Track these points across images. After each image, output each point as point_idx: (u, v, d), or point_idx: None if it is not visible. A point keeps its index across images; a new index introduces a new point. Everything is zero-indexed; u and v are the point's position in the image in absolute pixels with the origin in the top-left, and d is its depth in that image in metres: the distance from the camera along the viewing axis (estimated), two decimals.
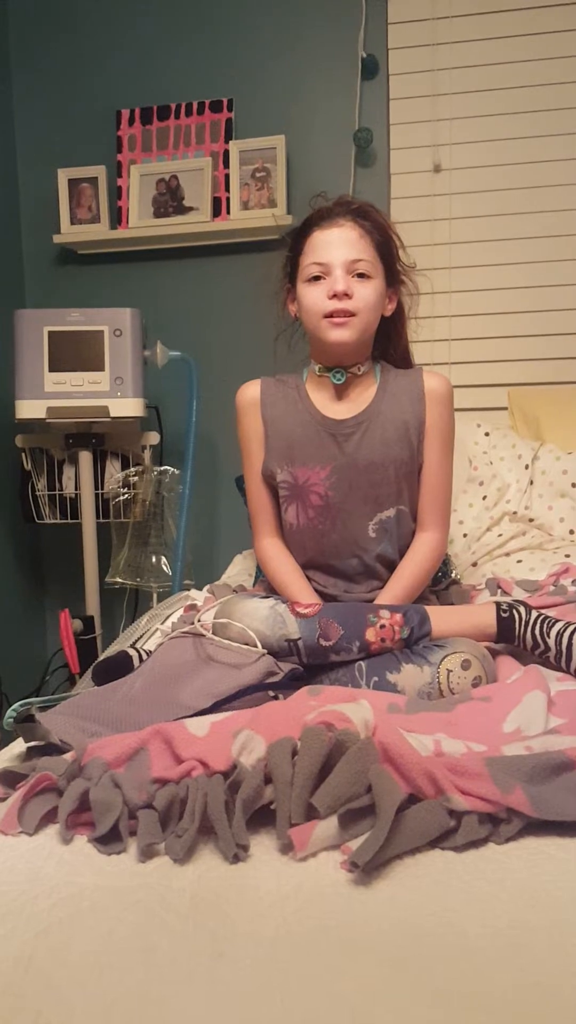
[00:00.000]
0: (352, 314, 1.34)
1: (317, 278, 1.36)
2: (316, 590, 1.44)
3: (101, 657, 1.30)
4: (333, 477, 1.40)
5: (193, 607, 1.51)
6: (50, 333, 2.11)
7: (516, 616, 1.24)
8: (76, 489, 2.30)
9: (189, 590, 1.77)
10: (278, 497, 1.47)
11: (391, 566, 1.43)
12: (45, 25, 2.46)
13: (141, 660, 1.27)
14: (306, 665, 1.22)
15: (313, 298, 1.36)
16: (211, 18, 2.37)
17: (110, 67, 2.44)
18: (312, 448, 1.42)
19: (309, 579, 1.46)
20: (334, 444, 1.41)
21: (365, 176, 2.33)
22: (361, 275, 1.35)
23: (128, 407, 2.12)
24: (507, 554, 1.81)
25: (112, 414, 2.11)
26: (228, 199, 2.35)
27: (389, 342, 1.51)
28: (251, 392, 1.48)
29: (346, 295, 1.33)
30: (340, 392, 1.44)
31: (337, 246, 1.35)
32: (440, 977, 0.59)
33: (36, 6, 2.46)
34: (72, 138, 2.48)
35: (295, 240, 1.43)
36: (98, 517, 2.28)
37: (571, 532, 1.83)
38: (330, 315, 1.35)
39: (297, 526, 1.44)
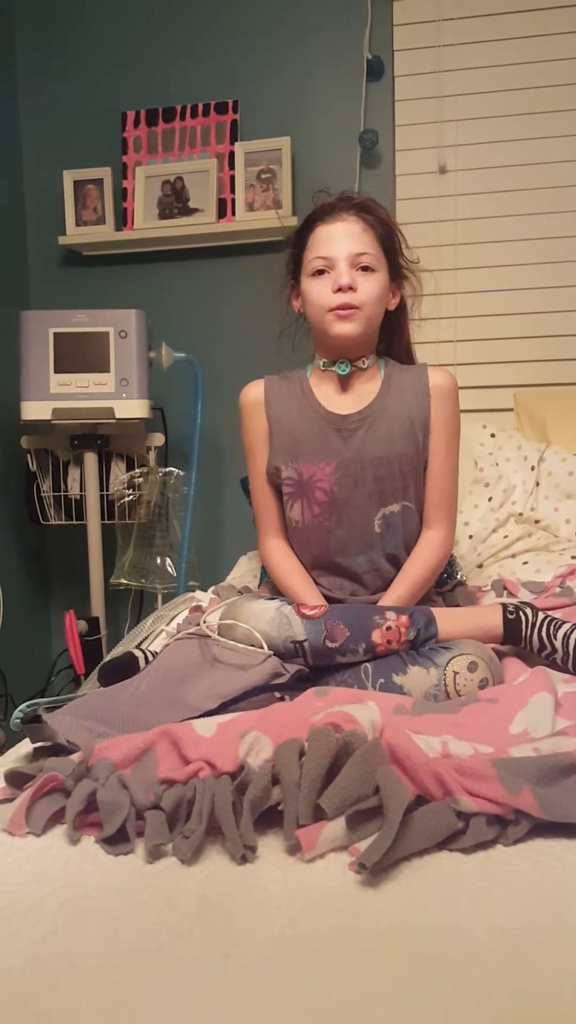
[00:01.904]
0: (357, 307, 1.34)
1: (321, 272, 1.36)
2: (322, 595, 1.44)
3: (107, 658, 1.30)
4: (338, 473, 1.40)
5: (198, 608, 1.51)
6: (55, 334, 2.11)
7: (522, 618, 1.24)
8: (81, 490, 2.30)
9: (194, 591, 1.77)
10: (282, 498, 1.47)
11: (397, 564, 1.43)
12: (51, 27, 2.47)
13: (147, 661, 1.27)
14: (312, 667, 1.22)
15: (318, 292, 1.37)
16: (216, 20, 2.38)
17: (115, 69, 2.45)
18: (317, 443, 1.41)
19: (315, 582, 1.46)
20: (339, 439, 1.41)
21: (370, 177, 2.33)
22: (365, 268, 1.35)
23: (133, 408, 2.12)
24: (513, 555, 1.81)
25: (117, 415, 2.11)
26: (233, 200, 2.35)
27: (393, 336, 1.51)
28: (254, 392, 1.48)
29: (351, 288, 1.34)
30: (344, 387, 1.44)
31: (341, 240, 1.35)
32: (447, 979, 0.59)
33: (42, 8, 2.47)
34: (77, 140, 2.49)
35: (298, 236, 1.43)
36: (103, 518, 2.28)
37: None
38: (335, 309, 1.35)
39: (302, 523, 1.44)
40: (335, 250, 1.35)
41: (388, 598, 1.38)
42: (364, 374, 1.44)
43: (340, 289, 1.34)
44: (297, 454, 1.42)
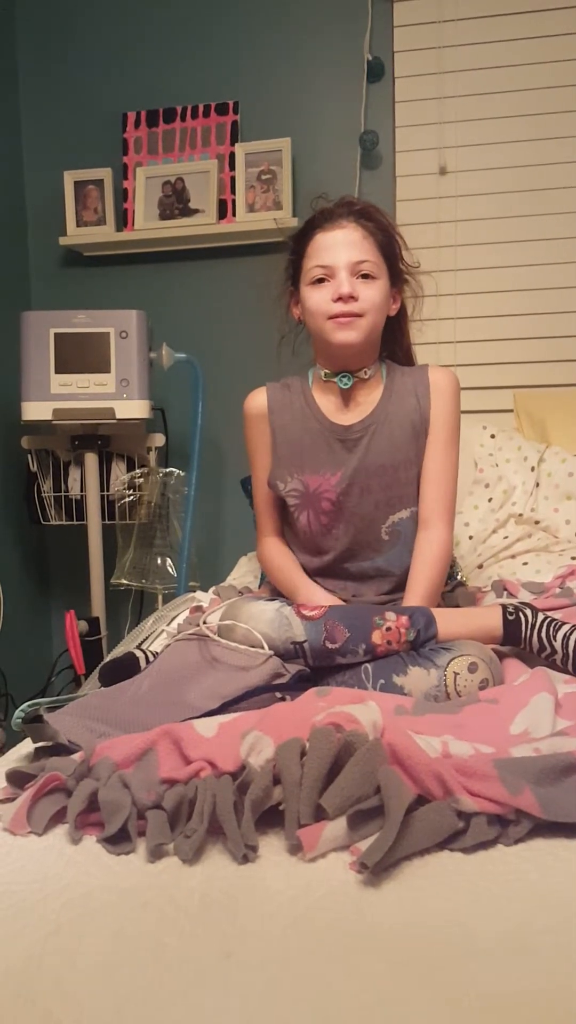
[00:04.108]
0: (358, 315, 1.34)
1: (321, 280, 1.36)
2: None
3: (108, 658, 1.30)
4: (344, 483, 1.40)
5: (199, 609, 1.51)
6: (56, 335, 2.11)
7: (522, 619, 1.24)
8: (82, 491, 2.30)
9: (194, 592, 1.77)
10: (286, 506, 1.47)
11: (404, 567, 1.43)
12: (52, 28, 2.47)
13: (148, 661, 1.28)
14: (312, 667, 1.22)
15: (317, 301, 1.36)
16: (217, 21, 2.38)
17: (116, 70, 2.45)
18: (321, 455, 1.41)
19: (318, 583, 1.46)
20: (343, 450, 1.40)
21: (371, 178, 2.34)
22: (365, 276, 1.35)
23: (134, 409, 2.12)
24: (513, 556, 1.81)
25: (118, 416, 2.11)
26: (234, 201, 2.35)
27: (395, 342, 1.50)
28: (258, 401, 1.47)
29: (351, 297, 1.33)
30: (346, 396, 1.43)
31: (341, 248, 1.34)
32: (448, 978, 0.59)
33: (43, 9, 2.47)
34: (78, 140, 2.49)
35: (297, 242, 1.42)
36: (103, 519, 2.29)
37: None
38: (335, 316, 1.34)
39: (309, 532, 1.44)
40: (335, 258, 1.34)
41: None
42: (367, 383, 1.43)
43: (341, 298, 1.33)
44: (302, 466, 1.42)
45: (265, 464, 1.47)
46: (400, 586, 1.44)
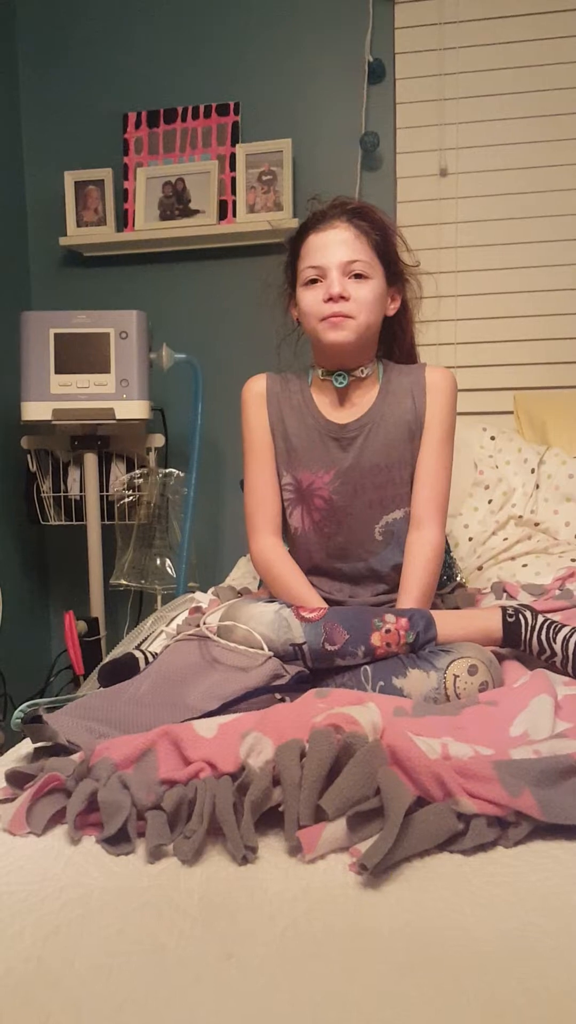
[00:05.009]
0: (349, 316, 1.34)
1: (314, 281, 1.36)
2: (321, 596, 1.44)
3: (107, 659, 1.30)
4: (337, 481, 1.40)
5: (198, 609, 1.51)
6: (56, 335, 2.11)
7: (522, 621, 1.24)
8: (81, 491, 2.30)
9: (193, 592, 1.77)
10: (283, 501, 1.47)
11: (397, 568, 1.43)
12: (52, 28, 2.47)
13: (147, 662, 1.27)
14: (312, 669, 1.21)
15: (310, 302, 1.36)
16: (218, 21, 2.38)
17: (117, 70, 2.45)
18: (315, 452, 1.41)
19: (313, 585, 1.45)
20: (337, 448, 1.40)
21: (371, 180, 2.34)
22: (358, 276, 1.34)
23: (133, 409, 2.12)
24: (512, 558, 1.81)
25: (117, 416, 2.11)
26: (234, 202, 2.36)
27: (395, 340, 1.50)
28: (258, 386, 1.47)
29: (342, 297, 1.33)
30: (343, 396, 1.43)
31: (332, 248, 1.34)
32: (448, 980, 0.59)
33: (43, 9, 2.47)
34: (79, 141, 2.49)
35: (292, 245, 1.42)
36: (103, 519, 2.29)
37: None
38: (327, 317, 1.34)
39: (302, 530, 1.44)
40: (326, 259, 1.34)
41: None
42: (363, 383, 1.42)
43: (332, 298, 1.33)
44: (296, 462, 1.42)
45: (264, 445, 1.45)
46: (395, 587, 1.44)
